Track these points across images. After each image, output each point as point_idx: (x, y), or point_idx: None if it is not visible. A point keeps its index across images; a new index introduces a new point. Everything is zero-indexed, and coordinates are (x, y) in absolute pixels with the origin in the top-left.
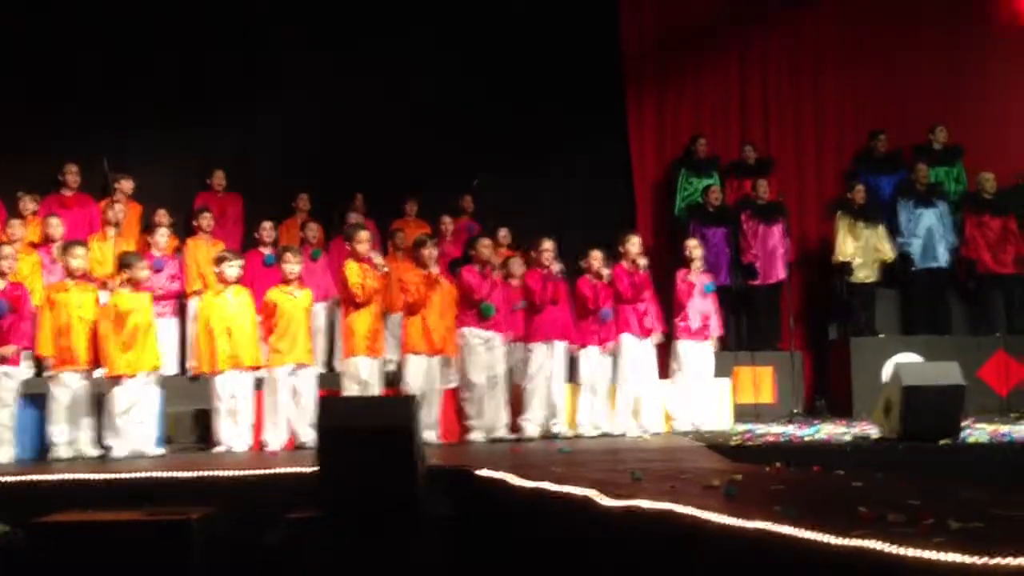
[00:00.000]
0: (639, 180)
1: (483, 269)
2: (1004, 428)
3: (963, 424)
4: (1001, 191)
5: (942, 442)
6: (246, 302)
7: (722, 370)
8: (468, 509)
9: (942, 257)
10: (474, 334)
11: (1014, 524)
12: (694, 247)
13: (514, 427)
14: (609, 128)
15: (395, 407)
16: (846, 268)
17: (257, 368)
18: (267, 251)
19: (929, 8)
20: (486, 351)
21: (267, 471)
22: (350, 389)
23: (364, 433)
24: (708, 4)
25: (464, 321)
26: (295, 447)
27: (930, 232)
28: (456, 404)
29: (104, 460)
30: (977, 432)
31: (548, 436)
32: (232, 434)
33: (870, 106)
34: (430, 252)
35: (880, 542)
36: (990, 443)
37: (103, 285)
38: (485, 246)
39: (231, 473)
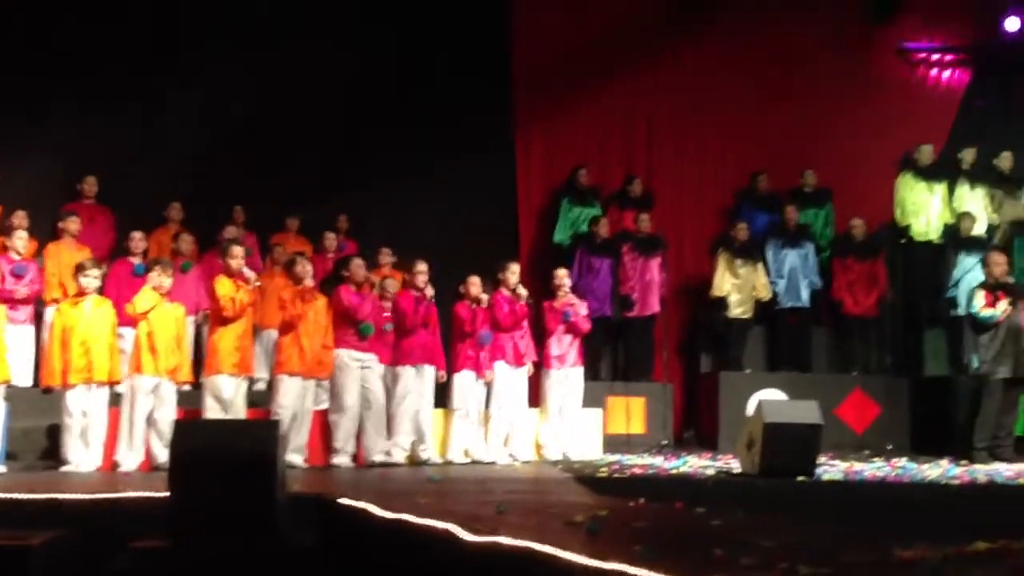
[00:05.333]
0: (524, 206)
1: (360, 289)
2: (858, 466)
3: (819, 461)
4: (869, 236)
5: (799, 479)
6: (106, 313)
7: (595, 400)
8: (332, 539)
9: (805, 297)
10: (351, 356)
11: (862, 571)
12: (563, 276)
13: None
14: (497, 155)
15: (257, 432)
16: (721, 303)
17: (112, 383)
18: (136, 260)
19: (802, 52)
20: (361, 373)
21: (115, 495)
22: (211, 408)
23: (221, 458)
24: (599, 37)
25: (341, 342)
26: (151, 468)
27: (793, 272)
28: (324, 426)
29: None
30: (832, 470)
31: (417, 462)
32: (81, 453)
33: (750, 146)
34: (303, 267)
35: None
36: (844, 480)
37: None
38: (359, 266)
39: (76, 496)
